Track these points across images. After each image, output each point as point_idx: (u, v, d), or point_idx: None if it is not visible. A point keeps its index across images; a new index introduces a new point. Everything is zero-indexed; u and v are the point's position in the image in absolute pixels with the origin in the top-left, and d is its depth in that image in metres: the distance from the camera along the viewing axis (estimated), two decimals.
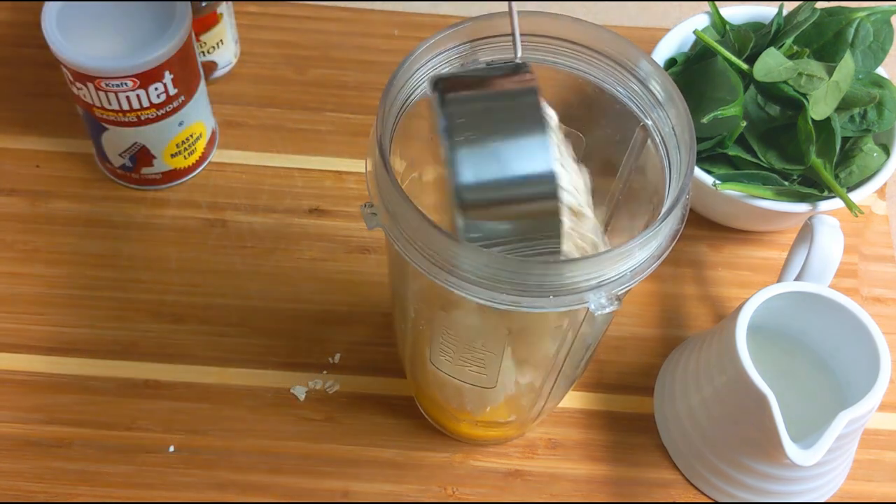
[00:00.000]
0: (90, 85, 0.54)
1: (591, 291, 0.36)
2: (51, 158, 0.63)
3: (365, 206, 0.38)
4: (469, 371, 0.43)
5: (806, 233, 0.54)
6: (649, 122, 0.41)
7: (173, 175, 0.61)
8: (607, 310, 0.36)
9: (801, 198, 0.56)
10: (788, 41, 0.58)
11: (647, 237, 0.36)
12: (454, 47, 0.40)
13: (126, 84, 0.54)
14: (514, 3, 0.39)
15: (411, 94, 0.40)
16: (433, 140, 0.38)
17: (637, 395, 0.56)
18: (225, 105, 0.66)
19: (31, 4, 0.70)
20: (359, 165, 0.64)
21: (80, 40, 0.54)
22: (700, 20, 0.62)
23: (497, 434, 0.53)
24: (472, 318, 0.43)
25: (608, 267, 0.36)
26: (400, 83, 0.39)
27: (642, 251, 0.37)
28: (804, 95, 0.56)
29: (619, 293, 0.36)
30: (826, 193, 0.56)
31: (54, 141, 0.64)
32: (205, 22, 0.62)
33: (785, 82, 0.56)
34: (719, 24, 0.62)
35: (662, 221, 0.36)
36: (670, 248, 0.38)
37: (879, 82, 0.58)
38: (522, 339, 0.44)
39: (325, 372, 0.56)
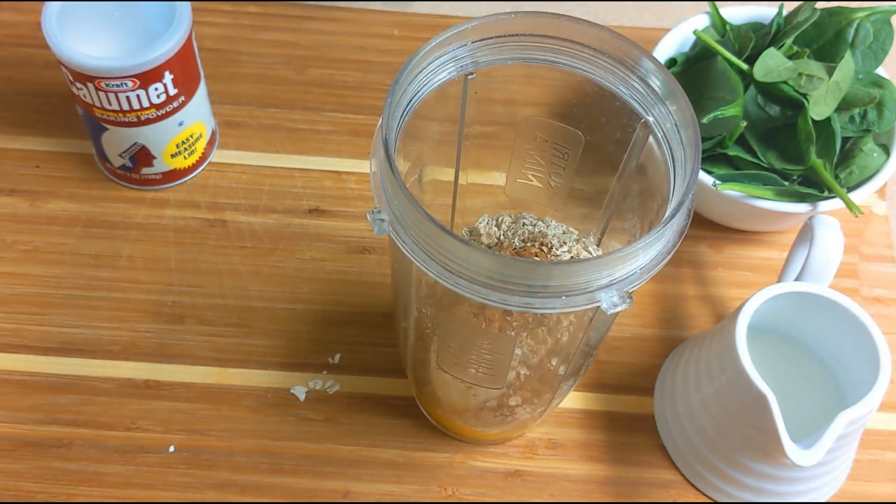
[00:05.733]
0: (90, 85, 0.54)
1: (602, 290, 0.36)
2: (51, 158, 0.63)
3: (372, 211, 0.37)
4: (476, 373, 0.43)
5: (806, 233, 0.54)
6: (651, 119, 0.40)
7: (173, 175, 0.61)
8: (619, 308, 0.36)
9: (801, 198, 0.56)
10: (788, 41, 0.58)
11: (657, 235, 0.36)
12: (458, 48, 0.40)
13: (126, 84, 0.54)
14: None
15: (416, 95, 0.40)
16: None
17: (637, 395, 0.56)
18: (225, 105, 0.66)
19: (31, 4, 0.70)
20: (359, 165, 0.64)
21: (80, 40, 0.54)
22: (700, 20, 0.62)
23: (497, 434, 0.53)
24: (480, 319, 0.43)
25: (619, 266, 0.36)
26: (405, 84, 0.39)
27: (652, 249, 0.37)
28: (804, 95, 0.56)
29: (630, 291, 0.36)
30: (826, 193, 0.56)
31: (54, 141, 0.64)
32: None
33: (785, 82, 0.56)
34: (719, 24, 0.62)
35: (672, 219, 0.36)
36: (678, 244, 0.38)
37: (879, 82, 0.58)
38: (530, 339, 0.44)
39: (325, 372, 0.56)
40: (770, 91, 0.57)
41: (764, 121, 0.57)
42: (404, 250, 0.37)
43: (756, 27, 0.61)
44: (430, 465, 0.53)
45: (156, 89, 0.55)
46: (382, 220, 0.37)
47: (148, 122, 0.57)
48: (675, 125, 0.39)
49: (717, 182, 0.56)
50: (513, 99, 0.46)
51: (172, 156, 0.60)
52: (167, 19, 0.55)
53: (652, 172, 0.42)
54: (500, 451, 0.54)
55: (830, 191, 0.56)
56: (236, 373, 0.55)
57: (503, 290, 0.35)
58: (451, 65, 0.41)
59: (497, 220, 0.48)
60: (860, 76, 0.58)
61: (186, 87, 0.57)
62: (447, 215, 0.50)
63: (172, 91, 0.56)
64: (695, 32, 0.60)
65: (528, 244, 0.46)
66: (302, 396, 0.55)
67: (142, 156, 0.59)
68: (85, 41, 0.54)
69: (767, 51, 0.57)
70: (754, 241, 0.62)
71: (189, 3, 0.56)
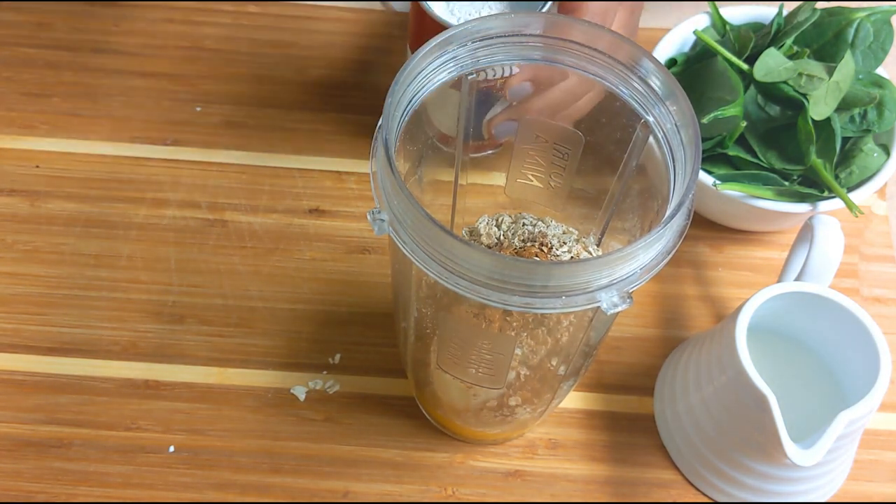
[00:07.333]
0: None
1: (602, 290, 0.36)
2: (51, 158, 0.63)
3: (372, 211, 0.37)
4: (476, 373, 0.43)
5: (806, 233, 0.54)
6: (651, 119, 0.40)
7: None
8: (619, 308, 0.36)
9: (801, 198, 0.56)
10: (788, 41, 0.58)
11: (657, 235, 0.36)
12: (458, 48, 0.40)
13: None
14: None
15: (415, 95, 0.40)
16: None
17: (637, 395, 0.56)
18: (225, 105, 0.66)
19: (32, 4, 0.70)
20: (359, 166, 0.64)
21: None
22: (700, 20, 0.62)
23: (497, 434, 0.53)
24: (479, 320, 0.43)
25: (619, 266, 0.36)
26: (405, 84, 0.39)
27: (652, 249, 0.37)
28: (804, 95, 0.56)
29: (630, 291, 0.36)
30: (826, 193, 0.56)
31: (54, 141, 0.64)
32: None
33: (785, 82, 0.56)
34: (719, 24, 0.62)
35: (672, 219, 0.36)
36: (678, 244, 0.38)
37: (879, 82, 0.58)
38: (530, 339, 0.44)
39: (325, 372, 0.56)
40: (770, 91, 0.57)
41: (764, 121, 0.57)
42: (404, 250, 0.37)
43: (756, 27, 0.61)
44: (430, 465, 0.53)
45: None
46: (382, 220, 0.37)
47: None
48: (675, 125, 0.39)
49: (717, 182, 0.56)
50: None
51: None
52: None
53: (652, 172, 0.42)
54: (500, 451, 0.54)
55: (830, 191, 0.56)
56: (236, 373, 0.55)
57: (503, 291, 0.35)
58: (451, 65, 0.41)
59: (497, 220, 0.48)
60: (860, 76, 0.58)
61: None
62: (447, 215, 0.50)
63: None
64: (695, 32, 0.60)
65: (528, 244, 0.46)
66: (302, 396, 0.55)
67: None
68: None
69: (767, 51, 0.57)
70: (754, 241, 0.62)
71: None
